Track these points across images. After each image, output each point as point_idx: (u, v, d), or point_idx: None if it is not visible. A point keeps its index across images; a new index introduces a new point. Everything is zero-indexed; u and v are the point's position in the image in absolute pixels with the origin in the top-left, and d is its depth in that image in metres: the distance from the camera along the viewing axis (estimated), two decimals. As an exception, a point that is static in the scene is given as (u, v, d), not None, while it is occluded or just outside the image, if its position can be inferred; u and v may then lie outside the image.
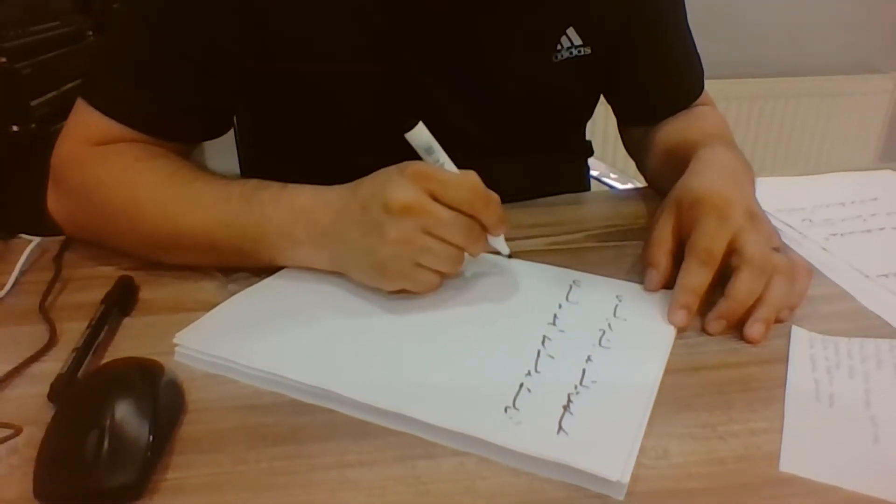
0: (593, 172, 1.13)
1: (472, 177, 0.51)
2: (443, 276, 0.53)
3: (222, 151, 1.02)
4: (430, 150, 0.52)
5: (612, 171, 1.15)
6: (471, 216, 0.51)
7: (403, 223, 0.49)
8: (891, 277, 0.59)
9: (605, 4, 0.71)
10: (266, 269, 0.58)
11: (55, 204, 0.63)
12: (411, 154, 0.55)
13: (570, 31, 0.70)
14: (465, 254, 0.53)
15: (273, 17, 0.63)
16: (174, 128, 0.64)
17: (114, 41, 0.67)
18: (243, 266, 0.58)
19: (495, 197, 0.52)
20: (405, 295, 0.54)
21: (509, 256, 0.57)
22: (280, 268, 0.58)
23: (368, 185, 0.52)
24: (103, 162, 0.61)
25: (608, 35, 0.72)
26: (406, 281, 0.52)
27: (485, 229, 0.52)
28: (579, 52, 0.71)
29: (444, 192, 0.50)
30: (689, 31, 0.78)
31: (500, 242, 0.56)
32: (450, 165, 0.53)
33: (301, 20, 0.64)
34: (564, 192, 0.79)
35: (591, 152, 0.90)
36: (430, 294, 0.54)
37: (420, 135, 0.52)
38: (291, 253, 0.56)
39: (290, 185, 0.57)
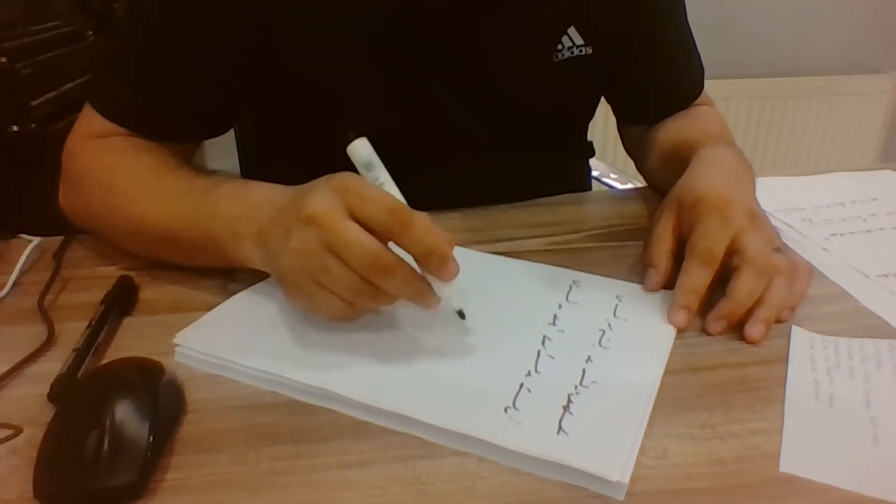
0: (594, 172, 1.13)
1: (400, 200, 0.45)
2: (354, 306, 0.47)
3: (222, 152, 1.02)
4: (369, 167, 0.46)
5: (612, 171, 1.15)
6: (393, 241, 0.44)
7: (307, 233, 0.44)
8: (891, 277, 0.59)
9: (606, 4, 0.71)
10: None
11: (61, 195, 0.66)
12: (410, 155, 0.55)
13: (572, 31, 0.70)
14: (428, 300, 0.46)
15: (273, 19, 0.63)
16: (169, 129, 0.65)
17: (114, 42, 0.68)
18: (205, 264, 0.57)
19: (423, 223, 0.44)
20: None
21: (460, 314, 0.48)
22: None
23: (303, 188, 0.48)
24: (94, 153, 0.63)
25: (609, 35, 0.72)
26: (304, 297, 0.47)
27: (419, 264, 0.45)
28: (580, 51, 0.71)
29: (361, 208, 0.44)
30: (690, 31, 0.78)
31: (444, 289, 0.46)
32: (390, 186, 0.46)
33: (300, 22, 0.64)
34: (565, 193, 0.79)
35: (592, 153, 0.90)
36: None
37: (360, 150, 0.46)
38: (236, 250, 0.52)
39: (254, 182, 0.55)
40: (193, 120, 0.67)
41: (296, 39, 0.65)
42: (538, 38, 0.70)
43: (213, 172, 0.63)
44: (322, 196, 0.44)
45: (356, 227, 0.43)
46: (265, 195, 0.51)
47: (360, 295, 0.45)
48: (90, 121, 0.64)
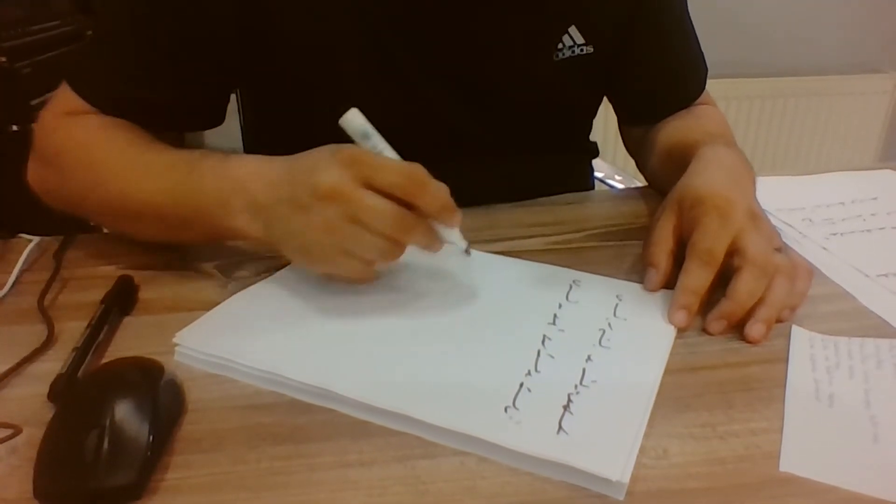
0: (598, 174, 1.13)
1: (412, 164, 0.48)
2: (373, 266, 0.51)
3: (226, 144, 1.02)
4: (366, 136, 0.50)
5: (617, 172, 1.14)
6: (408, 204, 0.48)
7: (329, 210, 0.47)
8: (891, 277, 0.59)
9: (607, 3, 0.71)
10: (266, 270, 0.58)
11: (31, 172, 0.64)
12: (410, 154, 0.55)
13: (572, 30, 0.70)
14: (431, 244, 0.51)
15: (270, 16, 0.63)
16: (147, 117, 0.63)
17: (99, 26, 0.67)
18: (188, 239, 0.58)
19: (437, 184, 0.48)
20: (405, 295, 0.54)
21: (466, 251, 0.53)
22: (278, 264, 0.58)
23: (303, 162, 0.50)
24: (70, 129, 0.62)
25: (610, 34, 0.72)
26: (332, 267, 0.51)
27: (429, 217, 0.49)
28: (581, 50, 0.71)
29: (376, 177, 0.47)
30: (693, 30, 0.78)
31: (452, 235, 0.52)
32: (389, 152, 0.50)
33: (298, 21, 0.64)
34: (567, 193, 0.79)
35: (595, 153, 0.90)
36: (429, 294, 0.54)
37: (354, 120, 0.49)
38: (228, 222, 0.54)
39: (235, 156, 0.56)
40: (174, 111, 0.65)
41: (294, 37, 0.65)
42: (539, 37, 0.69)
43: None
44: (333, 171, 0.47)
45: (374, 195, 0.47)
46: (253, 168, 0.53)
47: (385, 254, 0.49)
48: (66, 99, 0.63)
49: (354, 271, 0.50)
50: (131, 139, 0.61)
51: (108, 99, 0.63)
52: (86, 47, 0.66)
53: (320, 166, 0.48)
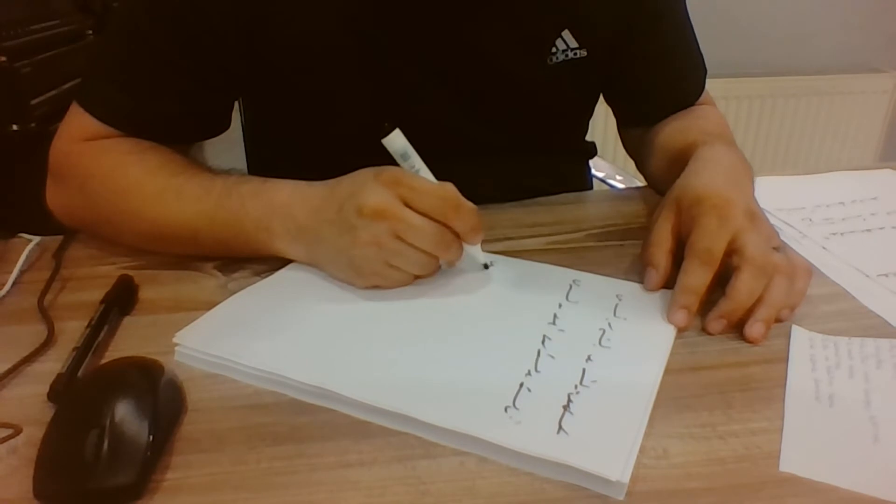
0: (598, 174, 1.13)
1: (447, 186, 0.52)
2: (413, 277, 0.55)
3: (229, 147, 1.02)
4: (405, 157, 0.53)
5: (618, 172, 1.14)
6: (443, 223, 0.52)
7: (375, 227, 0.51)
8: (891, 277, 0.59)
9: (601, 7, 0.70)
10: (266, 269, 0.58)
11: (53, 197, 0.65)
12: None
13: (566, 34, 0.70)
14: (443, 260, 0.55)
15: (263, 22, 0.63)
16: (162, 131, 0.65)
17: (107, 45, 0.68)
18: (228, 255, 0.60)
19: (469, 206, 0.53)
20: (405, 295, 0.54)
21: (486, 267, 0.58)
22: (278, 264, 0.58)
23: (346, 186, 0.54)
24: (96, 155, 0.63)
25: (605, 37, 0.72)
26: (378, 279, 0.54)
27: (458, 237, 0.53)
28: (575, 54, 0.71)
29: (416, 199, 0.51)
30: (692, 31, 0.78)
31: (476, 251, 0.57)
32: (425, 172, 0.54)
33: (294, 27, 0.64)
34: (564, 193, 0.79)
35: (592, 153, 0.90)
36: (429, 294, 0.54)
37: (396, 141, 0.53)
38: (269, 245, 0.57)
39: (272, 180, 0.59)
40: (187, 121, 0.67)
41: (289, 46, 0.65)
42: (532, 41, 0.69)
43: (223, 170, 0.63)
44: (378, 192, 0.51)
45: (417, 214, 0.51)
46: (293, 195, 0.57)
47: (426, 267, 0.54)
48: (80, 122, 0.64)
49: (396, 281, 0.54)
50: (162, 163, 0.62)
51: (119, 115, 0.64)
52: (94, 68, 0.67)
53: (366, 188, 0.52)
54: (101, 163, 0.62)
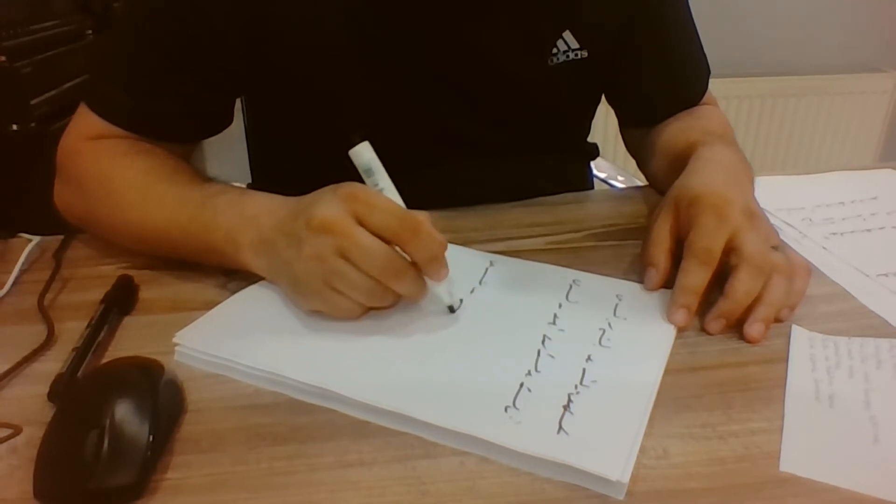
0: (600, 174, 1.13)
1: (409, 211, 0.48)
2: (364, 307, 0.50)
3: (231, 147, 1.03)
4: (369, 172, 0.49)
5: (619, 173, 1.14)
6: (400, 248, 0.47)
7: (319, 241, 0.47)
8: (891, 277, 0.59)
9: (602, 8, 0.70)
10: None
11: (57, 195, 0.66)
12: (409, 155, 0.55)
13: (567, 35, 0.70)
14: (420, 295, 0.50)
15: (264, 22, 0.64)
16: (165, 130, 0.66)
17: (109, 46, 0.69)
18: (204, 264, 0.59)
19: (431, 233, 0.48)
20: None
21: (451, 310, 0.52)
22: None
23: (307, 198, 0.50)
24: (94, 155, 0.64)
25: (606, 38, 0.72)
26: (319, 302, 0.50)
27: (418, 267, 0.49)
28: (576, 55, 0.71)
29: (369, 216, 0.47)
30: (695, 31, 0.78)
31: (440, 289, 0.51)
32: (391, 192, 0.50)
33: (294, 27, 0.64)
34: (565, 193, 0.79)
35: (594, 155, 0.90)
36: (429, 294, 0.54)
37: (362, 154, 0.49)
38: (235, 257, 0.55)
39: (250, 192, 0.57)
40: (189, 120, 0.67)
41: (288, 41, 0.65)
42: (533, 41, 0.69)
43: (209, 178, 0.64)
44: (331, 205, 0.47)
45: (367, 233, 0.46)
46: (263, 206, 0.54)
47: (372, 296, 0.48)
48: (87, 121, 0.65)
49: (340, 309, 0.49)
50: (151, 168, 0.62)
51: (120, 114, 0.64)
52: (99, 68, 0.67)
53: (320, 200, 0.48)
54: (97, 163, 0.63)
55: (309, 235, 0.47)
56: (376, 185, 0.49)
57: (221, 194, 0.57)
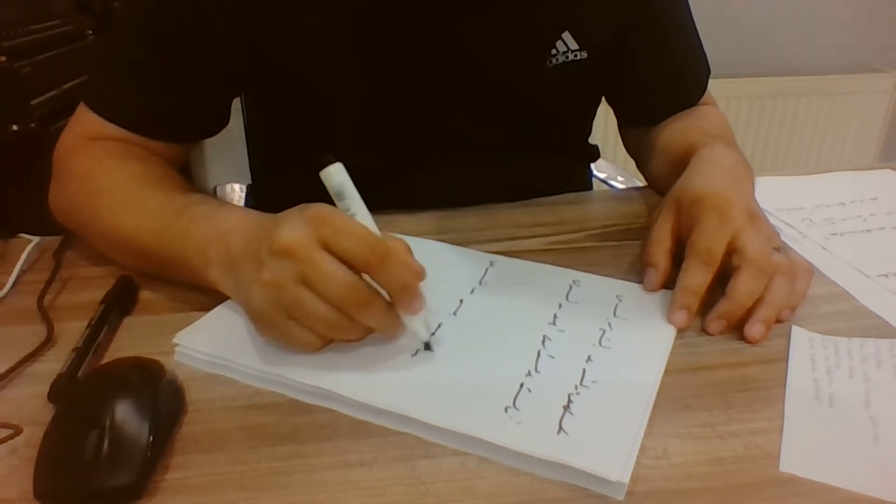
0: (600, 175, 1.13)
1: (378, 236, 0.44)
2: (325, 340, 0.46)
3: (230, 147, 1.03)
4: (340, 196, 0.45)
5: (619, 173, 1.14)
6: (369, 275, 0.44)
7: (279, 266, 0.43)
8: (891, 277, 0.59)
9: (601, 8, 0.70)
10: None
11: (50, 192, 0.65)
12: (409, 156, 0.54)
13: (566, 36, 0.70)
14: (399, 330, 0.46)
15: (265, 24, 0.64)
16: (163, 127, 0.65)
17: (108, 43, 0.68)
18: (174, 279, 0.56)
19: (404, 262, 0.44)
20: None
21: (427, 346, 0.47)
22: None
23: (276, 217, 0.46)
24: (84, 155, 0.63)
25: (605, 39, 0.72)
26: (275, 332, 0.45)
27: (391, 297, 0.45)
28: (575, 56, 0.71)
29: (336, 240, 0.42)
30: (695, 31, 0.78)
31: (415, 323, 0.46)
32: (363, 216, 0.45)
33: (293, 26, 0.64)
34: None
35: (595, 156, 0.90)
36: (429, 295, 0.54)
37: (333, 177, 0.45)
38: (204, 273, 0.51)
39: (228, 205, 0.55)
40: (188, 119, 0.67)
41: (287, 41, 0.65)
42: (532, 43, 0.69)
43: (197, 190, 0.62)
44: (295, 227, 0.43)
45: (332, 259, 0.42)
46: (237, 222, 0.50)
47: (334, 328, 0.44)
48: (84, 121, 0.65)
49: (298, 341, 0.45)
50: (139, 173, 0.60)
51: (121, 112, 0.64)
52: (99, 66, 0.67)
53: (286, 221, 0.44)
54: (85, 163, 0.62)
55: (269, 259, 0.43)
56: (348, 209, 0.45)
57: (200, 204, 0.54)
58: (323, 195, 0.46)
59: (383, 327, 0.45)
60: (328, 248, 0.43)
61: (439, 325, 0.50)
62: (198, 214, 0.53)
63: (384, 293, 0.44)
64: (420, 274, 0.45)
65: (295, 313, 0.43)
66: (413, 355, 0.47)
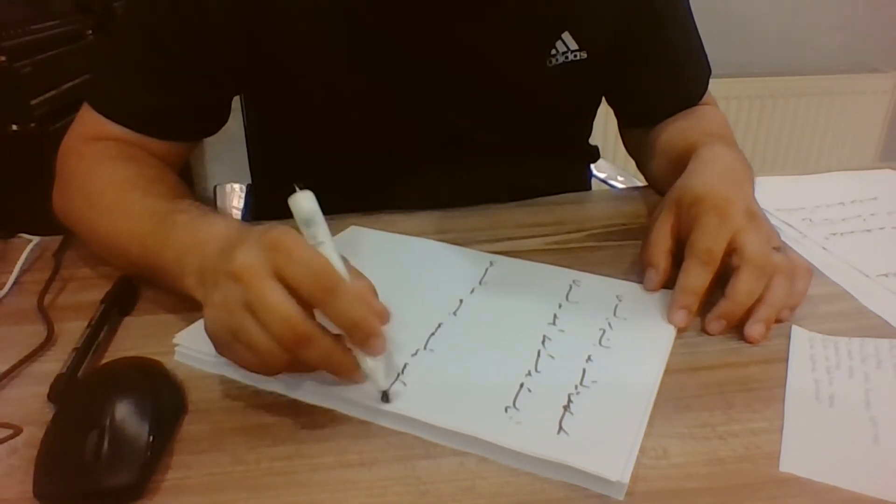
0: (600, 175, 1.13)
1: (329, 267, 0.40)
2: (276, 368, 0.42)
3: (230, 147, 1.03)
4: (308, 223, 0.42)
5: (619, 174, 1.14)
6: (317, 308, 0.41)
7: (228, 289, 0.41)
8: (891, 277, 0.59)
9: (601, 9, 0.70)
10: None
11: (53, 193, 0.65)
12: (409, 156, 0.54)
13: (566, 36, 0.70)
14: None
15: (265, 22, 0.64)
16: (163, 126, 0.66)
17: (110, 43, 0.68)
18: (156, 284, 0.55)
19: (360, 296, 0.41)
20: (405, 295, 0.54)
21: (384, 397, 0.42)
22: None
23: (240, 235, 0.44)
24: (83, 156, 0.63)
25: (605, 39, 0.72)
26: (229, 353, 0.43)
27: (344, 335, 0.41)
28: (575, 56, 0.71)
29: (286, 268, 0.40)
30: (696, 31, 0.78)
31: (372, 368, 0.42)
32: (328, 247, 0.42)
33: (293, 25, 0.64)
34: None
35: (595, 157, 0.90)
36: (428, 295, 0.54)
37: (301, 205, 0.42)
38: (181, 282, 0.49)
39: (211, 215, 0.53)
40: (189, 117, 0.67)
41: (287, 40, 0.65)
42: (532, 43, 0.69)
43: (188, 193, 0.61)
44: (250, 251, 0.41)
45: (279, 288, 0.40)
46: (216, 232, 0.49)
47: (271, 361, 0.41)
48: (87, 120, 0.65)
49: (248, 363, 0.42)
50: (132, 176, 0.60)
51: (122, 111, 0.64)
52: (101, 66, 0.67)
53: (244, 243, 0.42)
54: (82, 163, 0.63)
55: (223, 281, 0.42)
56: (315, 238, 0.42)
57: (183, 212, 0.53)
58: (322, 195, 0.44)
59: (330, 366, 0.42)
60: (279, 276, 0.40)
61: (405, 366, 0.46)
62: (179, 223, 0.52)
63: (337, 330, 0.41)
64: (383, 315, 0.43)
65: (240, 339, 0.41)
66: (413, 355, 0.47)
